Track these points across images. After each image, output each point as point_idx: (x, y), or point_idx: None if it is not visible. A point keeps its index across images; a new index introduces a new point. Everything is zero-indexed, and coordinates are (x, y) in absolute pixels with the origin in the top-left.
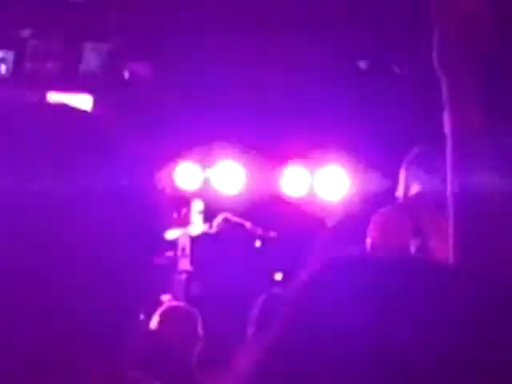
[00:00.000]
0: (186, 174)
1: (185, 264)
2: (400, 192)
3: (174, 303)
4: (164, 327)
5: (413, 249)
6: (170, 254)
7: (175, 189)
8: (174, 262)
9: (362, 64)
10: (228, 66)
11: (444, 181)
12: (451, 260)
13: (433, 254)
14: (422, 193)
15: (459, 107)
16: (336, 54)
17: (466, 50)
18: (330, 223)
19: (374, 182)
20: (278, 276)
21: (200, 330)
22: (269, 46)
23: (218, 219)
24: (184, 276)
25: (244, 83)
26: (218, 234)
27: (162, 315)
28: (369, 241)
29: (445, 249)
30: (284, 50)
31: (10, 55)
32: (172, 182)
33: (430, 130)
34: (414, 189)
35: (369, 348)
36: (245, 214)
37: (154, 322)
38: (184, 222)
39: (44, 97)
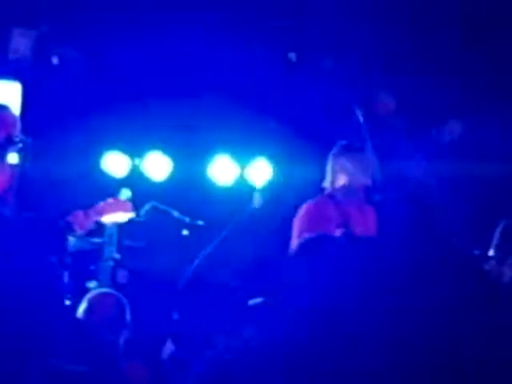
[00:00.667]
0: (114, 163)
1: (111, 251)
2: (327, 183)
3: (103, 290)
4: (92, 314)
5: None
6: (97, 240)
7: (103, 177)
8: (100, 249)
9: (292, 56)
10: (158, 54)
11: (369, 173)
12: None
13: None
14: (348, 183)
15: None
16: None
17: None
18: (256, 212)
19: (301, 173)
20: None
21: (128, 317)
22: (197, 36)
23: (146, 207)
24: (110, 263)
25: (174, 72)
26: (145, 221)
27: (90, 302)
28: (296, 228)
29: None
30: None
31: None
32: (100, 170)
33: (355, 122)
34: (341, 180)
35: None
36: (172, 203)
37: (81, 309)
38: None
39: None
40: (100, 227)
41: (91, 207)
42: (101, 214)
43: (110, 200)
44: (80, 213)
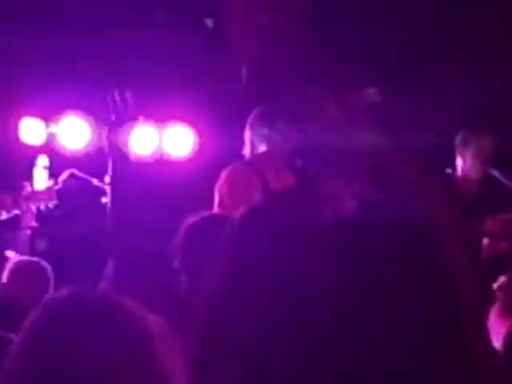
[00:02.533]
0: (30, 130)
1: (29, 220)
2: (247, 150)
3: (24, 258)
4: (16, 282)
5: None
6: (14, 210)
7: (20, 144)
8: (18, 218)
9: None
10: (82, 24)
11: (286, 139)
12: None
13: None
14: (267, 151)
15: None
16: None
17: None
18: (176, 181)
19: (220, 140)
20: None
21: (51, 285)
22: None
23: (64, 175)
24: (28, 232)
25: (91, 42)
26: (63, 189)
27: (12, 271)
28: (217, 196)
29: None
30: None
31: None
32: (16, 137)
33: (275, 88)
34: (260, 147)
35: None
36: (90, 171)
37: (4, 277)
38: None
39: None
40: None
41: (17, 192)
42: (28, 200)
43: (38, 188)
44: (6, 198)
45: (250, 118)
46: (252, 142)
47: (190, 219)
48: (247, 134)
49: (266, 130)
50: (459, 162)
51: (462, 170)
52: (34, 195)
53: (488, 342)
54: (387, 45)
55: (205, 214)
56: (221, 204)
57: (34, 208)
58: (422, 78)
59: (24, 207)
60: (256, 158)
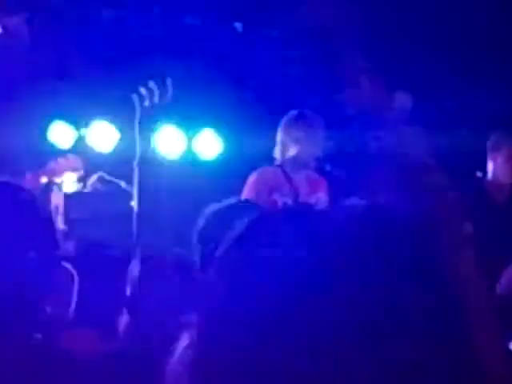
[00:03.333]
0: (60, 133)
1: (58, 223)
2: (277, 153)
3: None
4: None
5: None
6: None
7: (49, 148)
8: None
9: (238, 25)
10: (103, 24)
11: (317, 144)
12: None
13: None
14: (299, 154)
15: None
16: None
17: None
18: (205, 185)
19: (251, 145)
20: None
21: (76, 288)
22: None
23: (93, 178)
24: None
25: (115, 38)
26: (92, 192)
27: None
28: (244, 195)
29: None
30: None
31: None
32: (47, 140)
33: (308, 90)
34: (292, 151)
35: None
36: (120, 174)
37: None
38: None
39: None
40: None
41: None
42: (51, 173)
43: (60, 160)
44: (28, 175)
45: (283, 120)
46: (284, 145)
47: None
48: (279, 136)
49: (299, 134)
50: (490, 166)
51: (493, 175)
52: (54, 169)
53: (495, 343)
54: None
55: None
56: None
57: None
58: (452, 81)
59: (45, 179)
60: (286, 161)
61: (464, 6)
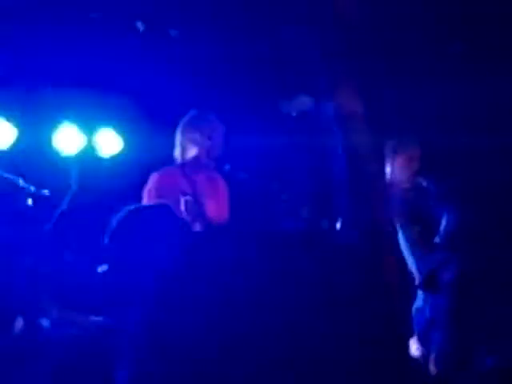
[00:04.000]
0: None
1: None
2: (177, 153)
3: None
4: None
5: (183, 206)
6: None
7: None
8: None
9: (140, 25)
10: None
11: (216, 144)
12: (221, 217)
13: (206, 211)
14: (198, 155)
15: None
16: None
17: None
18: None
19: (148, 144)
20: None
21: None
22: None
23: None
24: None
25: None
26: None
27: None
28: (145, 200)
29: (216, 207)
30: None
31: None
32: None
33: (210, 91)
34: (191, 151)
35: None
36: (17, 171)
37: None
38: None
39: None
40: None
41: None
42: None
43: None
44: None
45: (182, 121)
46: (183, 146)
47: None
48: (178, 137)
49: (196, 135)
50: (388, 169)
51: (391, 177)
52: None
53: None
54: None
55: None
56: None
57: None
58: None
59: None
60: (186, 161)
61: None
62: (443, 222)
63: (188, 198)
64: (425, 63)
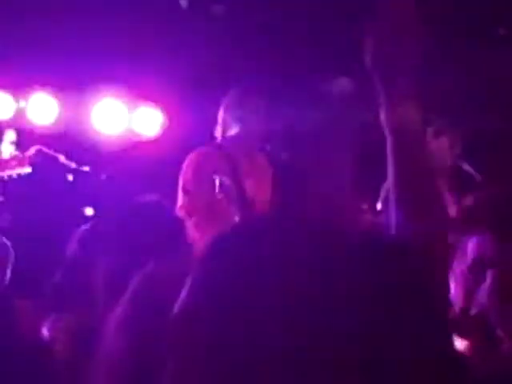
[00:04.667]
0: None
1: None
2: (218, 132)
3: None
4: None
5: (218, 188)
6: None
7: None
8: None
9: (183, 3)
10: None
11: (260, 122)
12: (268, 198)
13: (247, 192)
14: (239, 133)
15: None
16: None
17: (399, 48)
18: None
19: (192, 122)
20: (89, 211)
21: (12, 260)
22: None
23: (31, 151)
24: None
25: (55, 19)
26: (30, 165)
27: None
28: (181, 181)
29: (261, 188)
30: None
31: None
32: None
33: (250, 69)
34: (233, 129)
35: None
36: (58, 147)
37: None
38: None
39: None
40: None
41: None
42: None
43: (8, 156)
44: None
45: (225, 98)
46: (225, 124)
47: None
48: (220, 115)
49: (239, 112)
50: None
51: None
52: (4, 163)
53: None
54: None
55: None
56: (184, 189)
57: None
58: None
59: None
60: (226, 141)
61: None
62: None
63: (224, 178)
64: (470, 47)
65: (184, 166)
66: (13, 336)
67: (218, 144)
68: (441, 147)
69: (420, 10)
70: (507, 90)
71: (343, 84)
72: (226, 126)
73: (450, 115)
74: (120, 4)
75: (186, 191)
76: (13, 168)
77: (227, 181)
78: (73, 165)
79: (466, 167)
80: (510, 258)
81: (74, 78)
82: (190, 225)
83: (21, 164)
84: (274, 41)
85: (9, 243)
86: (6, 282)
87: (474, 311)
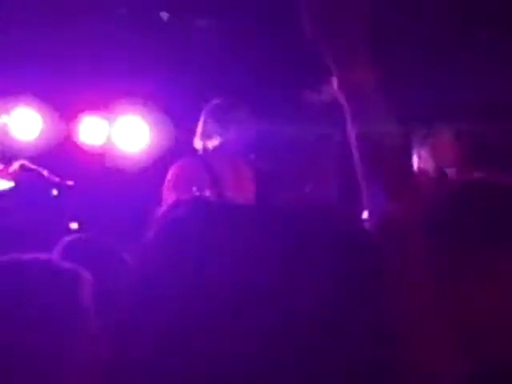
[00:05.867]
0: None
1: None
2: (198, 144)
3: None
4: None
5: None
6: None
7: None
8: None
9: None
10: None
11: (242, 133)
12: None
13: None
14: (220, 145)
15: (344, 68)
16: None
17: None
18: (127, 173)
19: (173, 134)
20: (74, 225)
21: None
22: None
23: (15, 166)
24: None
25: (41, 32)
26: (13, 180)
27: None
28: (164, 193)
29: (244, 199)
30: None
31: None
32: None
33: (231, 80)
34: (213, 141)
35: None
36: (42, 162)
37: None
38: None
39: None
40: None
41: None
42: None
43: None
44: None
45: (206, 108)
46: (205, 136)
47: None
48: (200, 127)
49: (221, 123)
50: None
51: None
52: None
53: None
54: None
55: None
56: (166, 201)
57: None
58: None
59: None
60: (209, 151)
61: None
62: None
63: (205, 192)
64: (452, 51)
65: (167, 177)
66: None
67: (200, 155)
68: (428, 152)
69: None
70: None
71: (326, 94)
72: (206, 137)
73: (437, 122)
74: (106, 17)
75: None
76: None
77: (207, 193)
78: (56, 179)
79: (449, 174)
80: None
81: (57, 91)
82: None
83: (3, 178)
84: (255, 53)
85: None
86: None
87: None
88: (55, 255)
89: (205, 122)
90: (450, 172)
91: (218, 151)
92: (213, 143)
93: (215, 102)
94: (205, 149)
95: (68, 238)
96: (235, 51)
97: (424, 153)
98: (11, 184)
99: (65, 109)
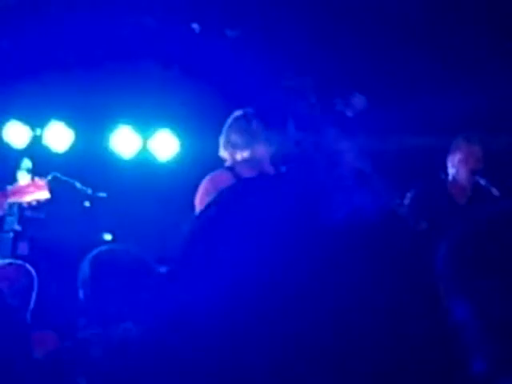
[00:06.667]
0: (14, 132)
1: (12, 222)
2: (226, 155)
3: (10, 260)
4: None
5: None
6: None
7: (3, 147)
8: (0, 220)
9: (195, 26)
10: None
11: (269, 144)
12: None
13: None
14: (251, 155)
15: None
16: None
17: None
18: (160, 185)
19: (205, 145)
20: (107, 236)
21: (35, 288)
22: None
23: (47, 178)
24: (11, 235)
25: (78, 42)
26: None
27: None
28: (196, 205)
29: None
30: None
31: None
32: (1, 140)
33: (260, 92)
34: (244, 151)
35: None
36: (74, 174)
37: None
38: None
39: None
40: None
41: (6, 188)
42: (18, 194)
43: (27, 181)
44: None
45: (232, 120)
46: (234, 146)
47: None
48: (226, 137)
49: (251, 134)
50: (449, 167)
51: (452, 176)
52: (23, 190)
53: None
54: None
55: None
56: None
57: (22, 204)
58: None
59: (11, 200)
60: (238, 164)
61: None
62: None
63: None
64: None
65: (198, 189)
66: (25, 363)
67: (230, 167)
68: (460, 159)
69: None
70: None
71: (359, 102)
72: (234, 148)
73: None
74: (137, 30)
75: None
76: (31, 194)
77: None
78: (89, 191)
79: (483, 182)
80: None
81: (89, 105)
82: None
83: (39, 190)
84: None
85: (33, 271)
86: (31, 309)
87: None
88: (87, 265)
89: (232, 133)
90: (483, 182)
91: (248, 163)
92: (242, 154)
93: (238, 113)
94: (233, 160)
95: (100, 249)
96: (268, 60)
97: (457, 159)
98: (47, 195)
99: (98, 121)
